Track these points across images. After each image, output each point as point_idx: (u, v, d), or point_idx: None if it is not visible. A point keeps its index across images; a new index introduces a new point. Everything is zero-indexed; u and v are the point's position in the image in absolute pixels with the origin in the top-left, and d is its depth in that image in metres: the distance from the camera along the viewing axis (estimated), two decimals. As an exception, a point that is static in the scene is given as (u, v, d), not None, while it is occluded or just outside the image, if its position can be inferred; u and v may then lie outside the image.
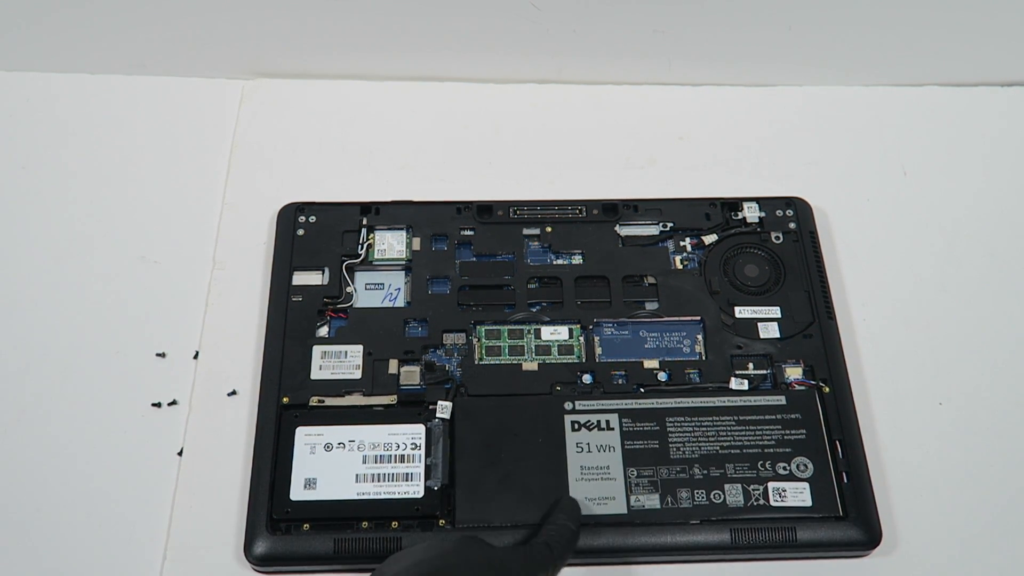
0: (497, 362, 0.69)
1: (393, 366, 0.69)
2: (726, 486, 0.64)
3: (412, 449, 0.65)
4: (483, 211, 0.75)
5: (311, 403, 0.67)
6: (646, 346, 0.71)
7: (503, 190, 0.78)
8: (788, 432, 0.66)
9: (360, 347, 0.69)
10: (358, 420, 0.66)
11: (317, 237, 0.74)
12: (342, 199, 0.76)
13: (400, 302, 0.72)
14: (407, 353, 0.69)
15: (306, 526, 0.62)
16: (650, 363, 0.69)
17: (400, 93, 0.86)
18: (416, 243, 0.74)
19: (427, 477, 0.64)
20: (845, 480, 0.64)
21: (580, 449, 0.65)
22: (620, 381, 0.68)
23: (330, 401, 0.67)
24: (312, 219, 0.75)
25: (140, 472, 0.66)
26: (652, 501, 0.63)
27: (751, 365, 0.70)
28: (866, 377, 0.71)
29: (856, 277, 0.76)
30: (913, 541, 0.65)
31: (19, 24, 0.82)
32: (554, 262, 0.74)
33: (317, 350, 0.69)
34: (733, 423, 0.66)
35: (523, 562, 0.56)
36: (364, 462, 0.64)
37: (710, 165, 0.81)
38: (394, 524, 0.62)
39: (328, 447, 0.65)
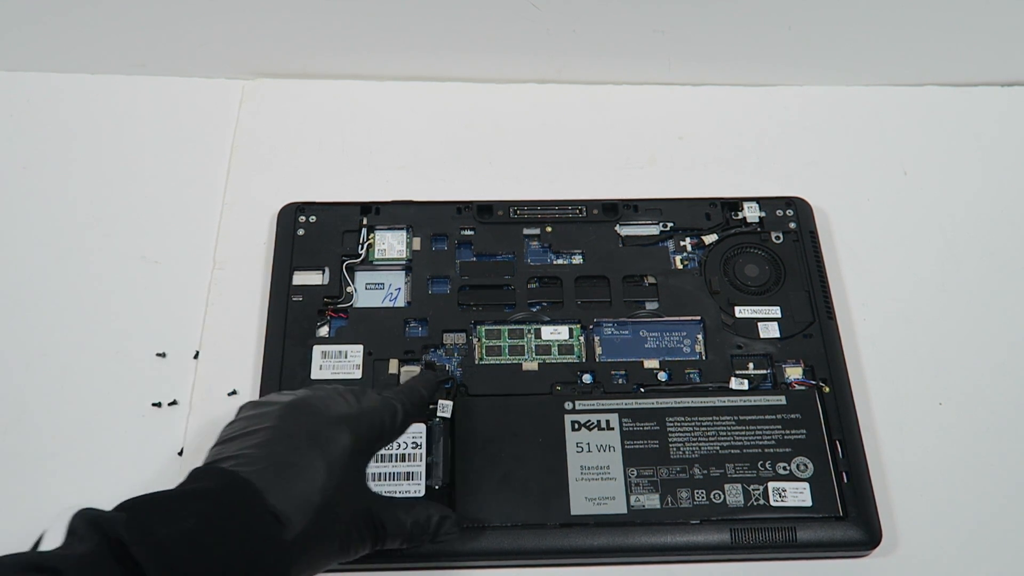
0: (497, 362, 0.69)
1: (393, 366, 0.69)
2: (726, 486, 0.64)
3: (413, 448, 0.65)
4: (483, 211, 0.75)
5: (311, 403, 0.67)
6: (646, 346, 0.71)
7: (503, 190, 0.78)
8: (788, 432, 0.66)
9: (360, 347, 0.69)
10: (358, 420, 0.66)
11: (317, 237, 0.74)
12: (342, 199, 0.76)
13: (400, 302, 0.72)
14: (407, 353, 0.69)
15: (306, 526, 0.62)
16: (650, 363, 0.69)
17: (400, 93, 0.86)
18: (416, 243, 0.74)
19: (428, 476, 0.64)
20: (845, 480, 0.64)
21: (580, 449, 0.65)
22: (620, 381, 0.68)
23: (330, 401, 0.67)
24: (312, 219, 0.75)
25: (140, 472, 0.66)
26: (652, 501, 0.63)
27: (751, 365, 0.70)
28: (866, 377, 0.71)
29: (856, 277, 0.76)
30: (913, 541, 0.65)
31: (19, 24, 0.82)
32: (554, 262, 0.74)
33: (317, 350, 0.69)
34: (733, 423, 0.66)
35: (358, 416, 0.56)
36: (364, 462, 0.64)
37: (710, 165, 0.82)
38: (394, 524, 0.62)
39: (328, 447, 0.65)
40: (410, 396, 0.60)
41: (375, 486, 0.63)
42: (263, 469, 0.50)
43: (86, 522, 0.46)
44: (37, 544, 0.46)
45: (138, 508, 0.48)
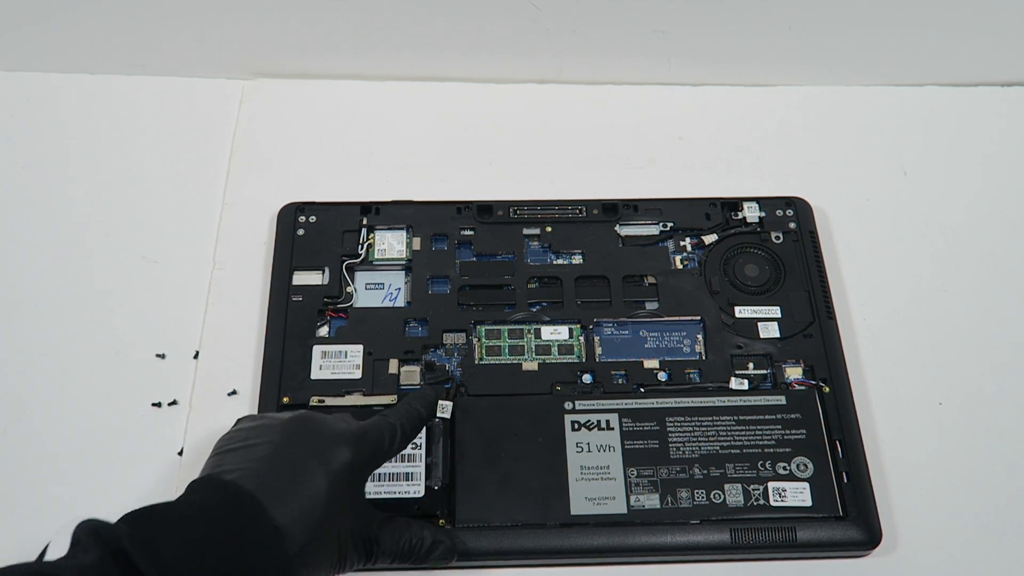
0: (497, 362, 0.69)
1: (393, 366, 0.69)
2: (726, 486, 0.64)
3: (412, 448, 0.65)
4: (483, 211, 0.75)
5: (311, 403, 0.67)
6: (646, 346, 0.71)
7: (503, 190, 0.78)
8: (788, 432, 0.66)
9: (360, 347, 0.69)
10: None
11: (317, 237, 0.74)
12: (342, 199, 0.76)
13: (400, 302, 0.72)
14: (407, 353, 0.69)
15: (306, 526, 0.62)
16: (650, 363, 0.69)
17: (400, 93, 0.86)
18: (416, 243, 0.74)
19: (428, 476, 0.64)
20: (845, 480, 0.64)
21: (580, 449, 0.65)
22: (620, 381, 0.68)
23: (330, 401, 0.67)
24: (312, 219, 0.75)
25: (140, 472, 0.66)
26: (652, 501, 0.63)
27: (751, 365, 0.70)
28: (866, 377, 0.71)
29: (856, 277, 0.76)
30: (913, 541, 0.65)
31: (19, 24, 0.82)
32: (554, 262, 0.74)
33: (317, 350, 0.69)
34: (733, 423, 0.66)
35: (358, 434, 0.57)
36: (364, 462, 0.64)
37: (710, 165, 0.82)
38: (394, 524, 0.62)
39: (328, 447, 0.65)
40: (408, 416, 0.61)
41: (375, 487, 0.63)
42: (266, 483, 0.51)
43: (89, 533, 0.46)
44: (42, 554, 0.47)
45: (141, 520, 0.48)
